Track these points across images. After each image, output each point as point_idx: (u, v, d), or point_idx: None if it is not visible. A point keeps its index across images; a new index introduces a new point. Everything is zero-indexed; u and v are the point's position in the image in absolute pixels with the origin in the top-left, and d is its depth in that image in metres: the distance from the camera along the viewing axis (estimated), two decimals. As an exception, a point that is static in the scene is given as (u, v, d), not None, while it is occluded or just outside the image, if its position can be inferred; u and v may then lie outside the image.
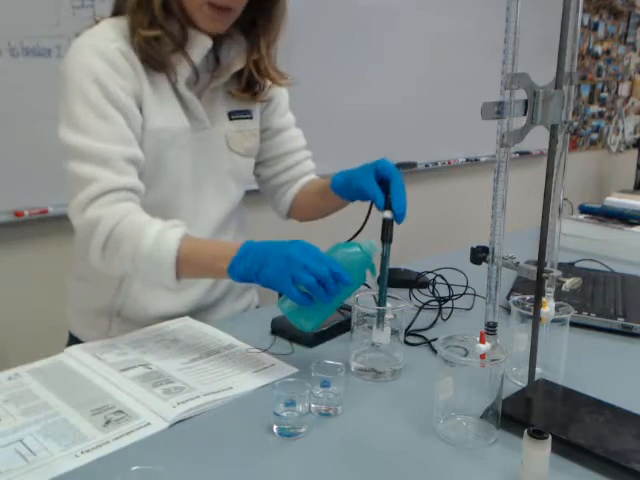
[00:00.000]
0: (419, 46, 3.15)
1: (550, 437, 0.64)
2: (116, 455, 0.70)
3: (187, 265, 0.92)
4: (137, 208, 0.97)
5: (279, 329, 1.04)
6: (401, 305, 0.93)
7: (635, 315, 1.11)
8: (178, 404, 0.80)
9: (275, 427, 0.76)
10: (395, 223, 0.97)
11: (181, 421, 0.78)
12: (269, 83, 1.16)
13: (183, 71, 1.03)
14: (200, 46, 1.03)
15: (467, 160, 3.62)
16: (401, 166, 3.22)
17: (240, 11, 1.02)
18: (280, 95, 1.24)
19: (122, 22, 1.00)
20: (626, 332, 1.07)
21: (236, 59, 1.09)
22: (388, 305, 0.93)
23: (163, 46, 1.00)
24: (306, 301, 0.83)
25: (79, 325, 1.18)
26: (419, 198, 3.48)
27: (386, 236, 0.95)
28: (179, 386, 0.85)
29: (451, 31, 3.27)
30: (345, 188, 1.09)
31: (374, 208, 0.99)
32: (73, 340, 1.17)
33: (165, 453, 0.72)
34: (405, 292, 1.22)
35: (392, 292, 0.96)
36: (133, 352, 0.97)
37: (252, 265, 0.86)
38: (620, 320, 1.08)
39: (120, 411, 0.79)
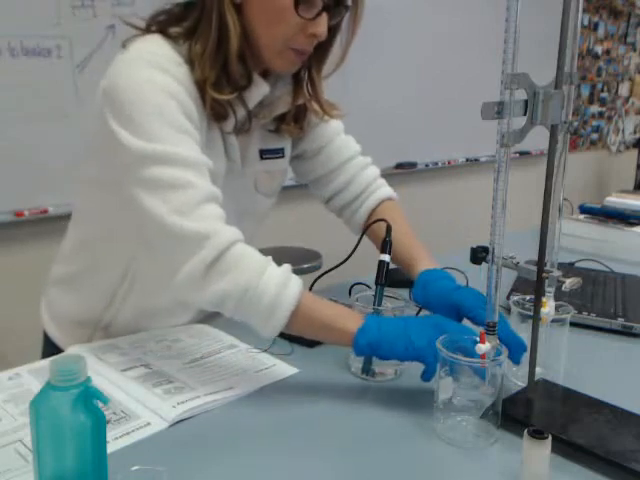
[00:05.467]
0: (419, 45, 3.15)
1: (550, 437, 0.64)
2: (116, 455, 0.70)
3: (303, 319, 0.83)
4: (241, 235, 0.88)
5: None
6: (401, 305, 0.93)
7: (635, 315, 1.11)
8: (178, 404, 0.80)
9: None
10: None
11: (181, 421, 0.78)
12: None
13: (238, 117, 0.96)
14: (259, 92, 0.97)
15: (467, 160, 3.62)
16: (401, 166, 3.23)
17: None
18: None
19: (182, 48, 0.91)
20: (626, 332, 1.08)
21: (281, 100, 1.02)
22: (388, 305, 0.93)
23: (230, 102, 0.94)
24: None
25: (54, 329, 1.10)
26: (419, 198, 3.48)
27: (381, 279, 0.94)
28: (179, 386, 0.85)
29: (451, 31, 3.27)
30: (425, 305, 1.02)
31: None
32: (48, 341, 1.11)
33: (165, 453, 0.72)
34: (405, 292, 1.21)
35: (392, 292, 0.96)
36: (134, 352, 0.97)
37: (396, 330, 0.80)
38: (620, 320, 1.09)
39: (120, 411, 0.80)
